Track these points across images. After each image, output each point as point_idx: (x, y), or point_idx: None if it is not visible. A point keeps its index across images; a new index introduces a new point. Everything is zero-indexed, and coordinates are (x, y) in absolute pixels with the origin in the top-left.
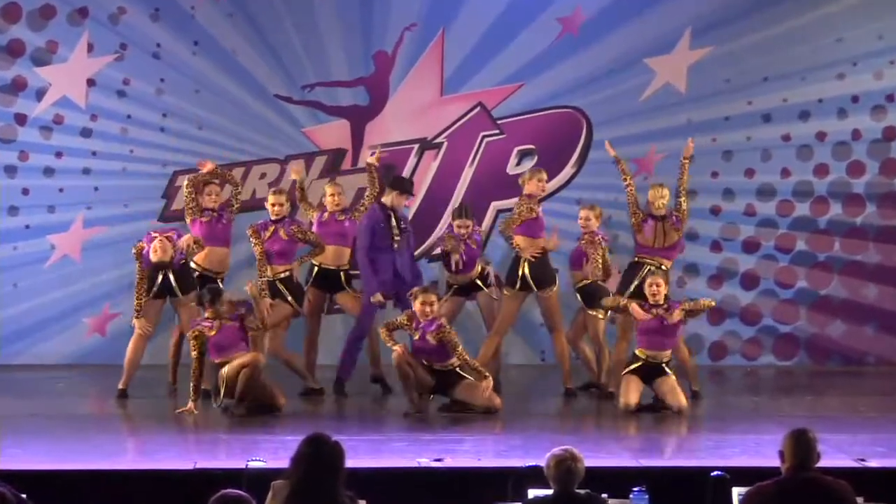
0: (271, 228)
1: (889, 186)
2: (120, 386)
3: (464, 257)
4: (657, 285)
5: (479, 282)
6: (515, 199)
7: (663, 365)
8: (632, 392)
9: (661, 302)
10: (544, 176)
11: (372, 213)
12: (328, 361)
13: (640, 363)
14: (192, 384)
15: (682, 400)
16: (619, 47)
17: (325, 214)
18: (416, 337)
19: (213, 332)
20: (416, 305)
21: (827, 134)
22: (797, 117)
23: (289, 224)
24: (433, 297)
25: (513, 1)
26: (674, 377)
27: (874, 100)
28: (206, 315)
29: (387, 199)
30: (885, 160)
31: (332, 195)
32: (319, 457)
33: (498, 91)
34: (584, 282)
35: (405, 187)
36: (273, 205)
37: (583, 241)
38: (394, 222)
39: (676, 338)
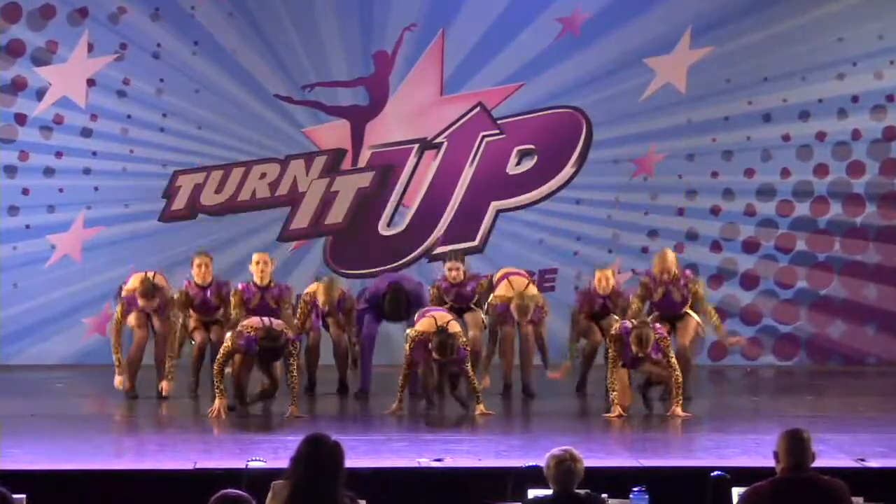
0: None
1: (889, 186)
2: (127, 384)
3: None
4: (641, 344)
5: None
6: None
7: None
8: (626, 394)
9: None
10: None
11: (371, 295)
12: (326, 361)
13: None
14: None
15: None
16: (619, 47)
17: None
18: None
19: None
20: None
21: (827, 134)
22: (797, 117)
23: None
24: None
25: (513, 1)
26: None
27: (874, 100)
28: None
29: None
30: (885, 160)
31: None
32: (319, 457)
33: (498, 91)
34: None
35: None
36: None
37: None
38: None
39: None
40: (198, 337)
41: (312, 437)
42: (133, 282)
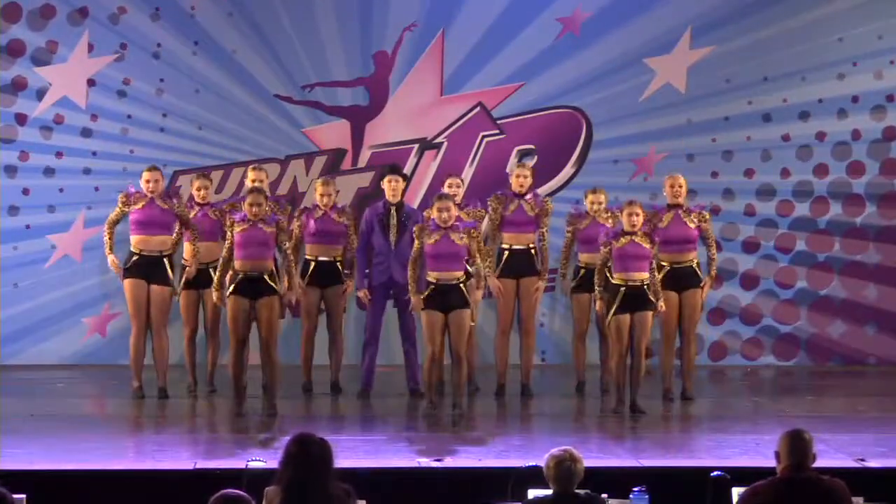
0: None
1: (889, 186)
2: (135, 384)
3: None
4: (635, 215)
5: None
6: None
7: (645, 288)
8: (625, 334)
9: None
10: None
11: (372, 207)
12: (320, 361)
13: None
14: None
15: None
16: (619, 47)
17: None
18: (433, 240)
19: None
20: (434, 213)
21: (827, 134)
22: (797, 117)
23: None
24: (448, 203)
25: (513, 1)
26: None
27: (874, 100)
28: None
29: (386, 192)
30: (885, 160)
31: (322, 195)
32: (308, 455)
33: (498, 91)
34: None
35: (384, 171)
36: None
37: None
38: (394, 218)
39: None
40: (187, 328)
41: (299, 437)
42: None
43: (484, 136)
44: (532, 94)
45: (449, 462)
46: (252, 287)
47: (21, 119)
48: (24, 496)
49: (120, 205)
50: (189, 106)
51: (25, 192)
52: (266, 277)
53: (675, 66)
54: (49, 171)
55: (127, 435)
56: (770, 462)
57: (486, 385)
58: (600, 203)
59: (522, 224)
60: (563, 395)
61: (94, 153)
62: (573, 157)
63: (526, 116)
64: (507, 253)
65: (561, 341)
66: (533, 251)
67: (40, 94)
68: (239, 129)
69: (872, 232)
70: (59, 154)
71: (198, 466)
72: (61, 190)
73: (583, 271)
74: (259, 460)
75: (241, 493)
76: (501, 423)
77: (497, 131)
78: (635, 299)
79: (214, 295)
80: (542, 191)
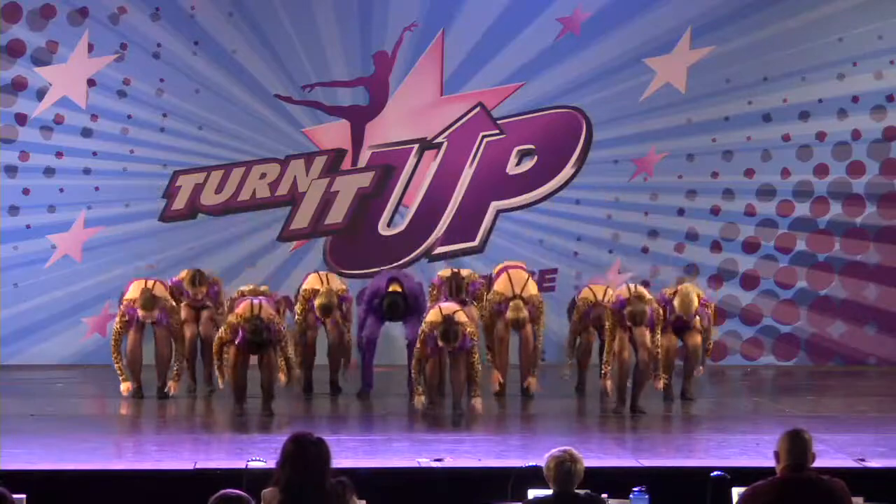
0: None
1: (889, 186)
2: (133, 385)
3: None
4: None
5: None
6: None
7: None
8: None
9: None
10: None
11: (372, 292)
12: (320, 361)
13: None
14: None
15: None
16: (619, 47)
17: None
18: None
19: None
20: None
21: (827, 134)
22: (797, 117)
23: None
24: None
25: (513, 1)
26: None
27: (874, 100)
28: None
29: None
30: (885, 160)
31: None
32: (305, 454)
33: (498, 91)
34: None
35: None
36: None
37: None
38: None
39: None
40: (188, 332)
41: (295, 437)
42: (133, 291)
43: (484, 136)
44: (532, 94)
45: (449, 462)
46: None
47: (21, 119)
48: (24, 496)
49: (119, 322)
50: (189, 106)
51: (25, 192)
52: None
53: (675, 66)
54: (49, 171)
55: (127, 435)
56: (770, 462)
57: (487, 385)
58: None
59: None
60: (563, 396)
61: (95, 153)
62: (573, 157)
63: (526, 116)
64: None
65: (561, 339)
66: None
67: (40, 94)
68: (239, 129)
69: (872, 232)
70: (59, 154)
71: (198, 466)
72: (61, 190)
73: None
74: (259, 460)
75: (241, 493)
76: (501, 423)
77: (497, 131)
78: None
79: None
80: (542, 191)
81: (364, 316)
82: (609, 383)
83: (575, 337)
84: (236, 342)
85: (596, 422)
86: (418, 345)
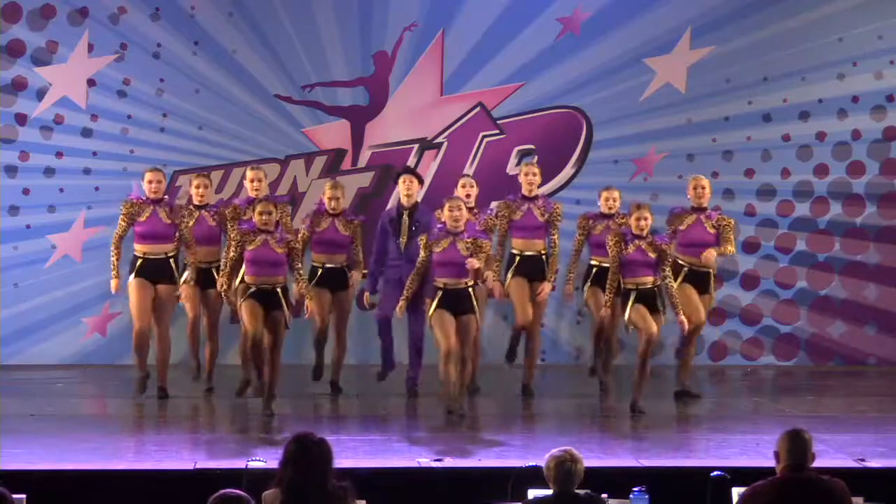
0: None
1: (889, 186)
2: (141, 374)
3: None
4: (644, 219)
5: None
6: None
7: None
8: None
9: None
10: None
11: (387, 211)
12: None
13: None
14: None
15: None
16: (619, 47)
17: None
18: (441, 248)
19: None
20: (445, 213)
21: (827, 134)
22: (797, 117)
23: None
24: (459, 203)
25: (513, 1)
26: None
27: (874, 100)
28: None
29: (400, 192)
30: (885, 160)
31: (331, 198)
32: (308, 455)
33: (498, 91)
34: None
35: (397, 172)
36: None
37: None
38: (405, 223)
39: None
40: (190, 311)
41: (298, 437)
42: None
43: (484, 136)
44: (532, 94)
45: (449, 462)
46: (264, 296)
47: (21, 119)
48: (24, 496)
49: (124, 216)
50: (189, 106)
51: (25, 192)
52: (278, 291)
53: (675, 66)
54: (49, 171)
55: (127, 435)
56: (770, 462)
57: (487, 385)
58: (615, 199)
59: (532, 229)
60: (564, 395)
61: (95, 153)
62: (573, 157)
63: (526, 116)
64: (518, 258)
65: (561, 341)
66: (543, 257)
67: (40, 94)
68: (239, 129)
69: (872, 232)
70: (59, 154)
71: (198, 466)
72: (61, 190)
73: (595, 269)
74: (259, 460)
75: (241, 493)
76: (501, 423)
77: (497, 131)
78: (646, 300)
79: (219, 283)
80: (542, 191)
81: (374, 274)
82: (570, 286)
83: (577, 256)
84: (248, 231)
85: (596, 422)
86: (422, 255)
